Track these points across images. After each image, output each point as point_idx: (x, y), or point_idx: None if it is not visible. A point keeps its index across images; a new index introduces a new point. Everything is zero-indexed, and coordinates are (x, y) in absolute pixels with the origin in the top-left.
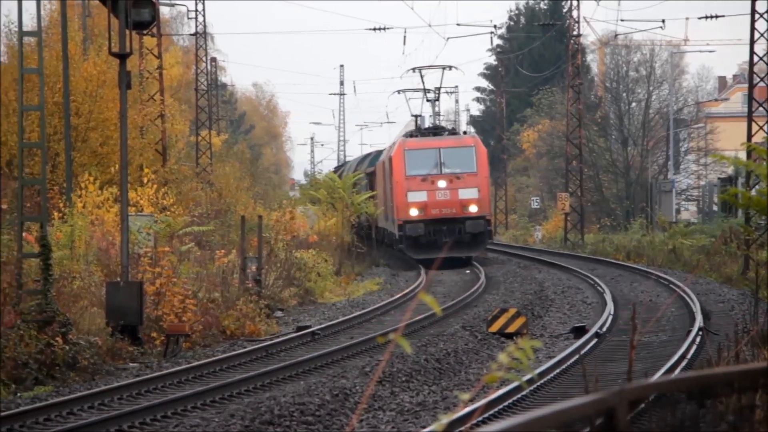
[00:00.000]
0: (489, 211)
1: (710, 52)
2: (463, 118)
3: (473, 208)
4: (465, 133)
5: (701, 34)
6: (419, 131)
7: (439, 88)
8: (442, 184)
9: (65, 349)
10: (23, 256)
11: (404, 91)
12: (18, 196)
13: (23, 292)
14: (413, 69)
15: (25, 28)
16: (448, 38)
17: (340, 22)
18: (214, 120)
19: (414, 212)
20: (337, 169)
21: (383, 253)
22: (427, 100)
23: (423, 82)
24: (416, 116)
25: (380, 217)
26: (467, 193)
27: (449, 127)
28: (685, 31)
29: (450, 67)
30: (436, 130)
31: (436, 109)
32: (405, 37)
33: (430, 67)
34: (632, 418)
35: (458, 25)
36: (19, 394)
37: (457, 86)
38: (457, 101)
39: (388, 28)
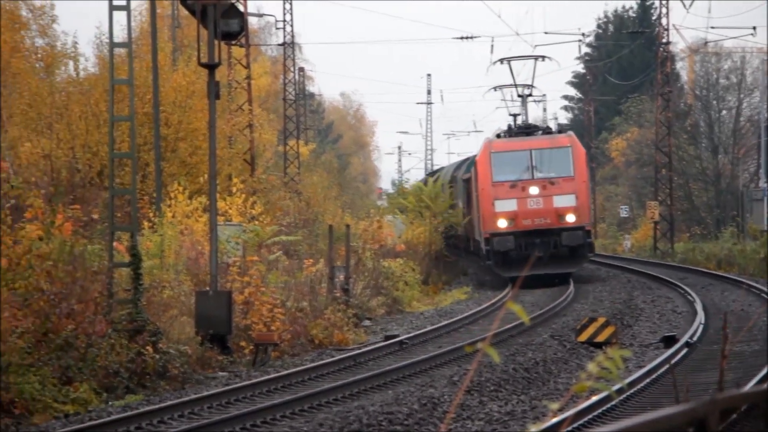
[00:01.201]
0: (588, 221)
1: None
2: (552, 127)
3: (570, 218)
4: (560, 131)
5: None
6: (509, 131)
7: (531, 85)
8: (534, 190)
9: (155, 358)
10: (114, 266)
11: (500, 87)
12: (109, 206)
13: (114, 302)
14: (500, 60)
15: (115, 40)
16: (536, 46)
17: (427, 32)
18: (302, 129)
19: (503, 223)
20: (432, 174)
21: (471, 261)
22: (518, 96)
23: (512, 75)
24: (514, 115)
25: (470, 226)
26: (563, 201)
27: (543, 125)
28: None
29: (542, 58)
30: (528, 130)
31: (527, 105)
32: (492, 45)
33: (519, 57)
34: (724, 429)
35: (546, 33)
36: (110, 403)
37: (545, 95)
38: (545, 110)
39: (475, 37)
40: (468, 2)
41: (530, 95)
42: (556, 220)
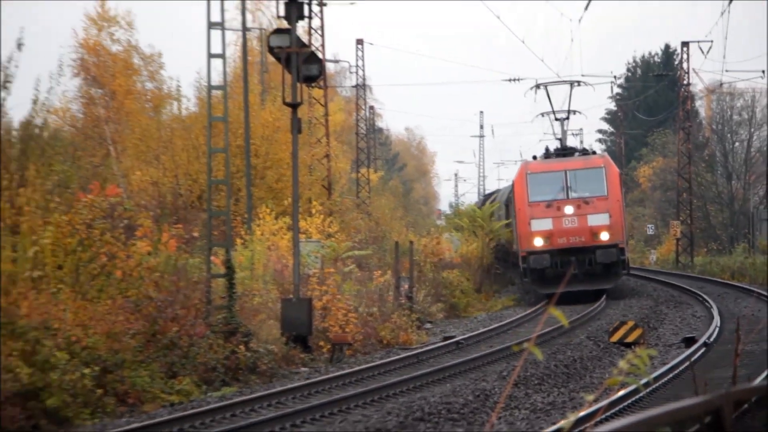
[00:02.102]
0: (622, 239)
1: None
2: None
3: (604, 236)
4: (594, 153)
5: None
6: (546, 153)
7: (569, 110)
8: (569, 210)
9: (247, 356)
10: (212, 277)
11: (547, 114)
12: (207, 226)
13: (212, 307)
14: (538, 86)
15: (212, 83)
16: (573, 82)
17: (480, 74)
18: (372, 159)
19: (539, 242)
20: (488, 196)
21: (516, 273)
22: (556, 119)
23: (549, 100)
24: (559, 140)
25: (509, 243)
26: (597, 219)
27: (580, 148)
28: None
29: (578, 83)
30: (564, 151)
31: (565, 128)
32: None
33: (556, 82)
34: (736, 417)
35: (582, 75)
36: (209, 394)
37: (581, 129)
38: (581, 142)
39: (521, 79)
40: (514, 47)
41: (567, 118)
42: (591, 239)
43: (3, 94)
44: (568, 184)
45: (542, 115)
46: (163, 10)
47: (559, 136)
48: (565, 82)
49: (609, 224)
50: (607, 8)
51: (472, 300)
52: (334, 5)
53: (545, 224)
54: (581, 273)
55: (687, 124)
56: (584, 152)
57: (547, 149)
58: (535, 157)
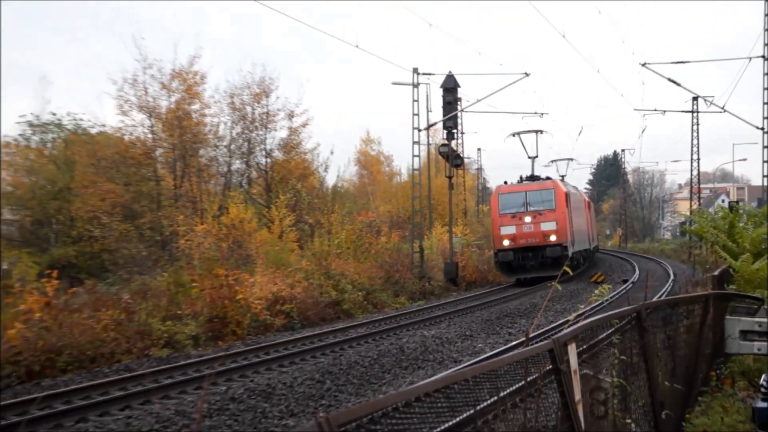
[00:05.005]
0: (567, 239)
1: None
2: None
3: (553, 238)
4: (548, 178)
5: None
6: (520, 179)
7: (536, 156)
8: (527, 219)
9: (429, 287)
10: (413, 252)
11: (556, 161)
12: (410, 231)
13: (413, 266)
14: (512, 134)
15: (414, 167)
16: (538, 131)
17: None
18: (482, 199)
19: (506, 242)
20: None
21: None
22: (528, 157)
23: (522, 144)
24: (533, 158)
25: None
26: (547, 226)
27: (544, 177)
28: None
29: (541, 131)
30: (532, 178)
31: (534, 163)
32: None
33: (526, 132)
34: (646, 315)
35: (572, 159)
36: (413, 303)
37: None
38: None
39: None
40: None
41: (536, 157)
42: (543, 240)
43: (323, 173)
44: (527, 201)
45: (552, 162)
46: (393, 135)
47: (530, 170)
48: (533, 131)
49: (556, 229)
50: (589, 134)
51: None
52: (468, 135)
53: (511, 230)
54: (536, 264)
55: (623, 185)
56: (547, 179)
57: (521, 177)
58: (506, 182)
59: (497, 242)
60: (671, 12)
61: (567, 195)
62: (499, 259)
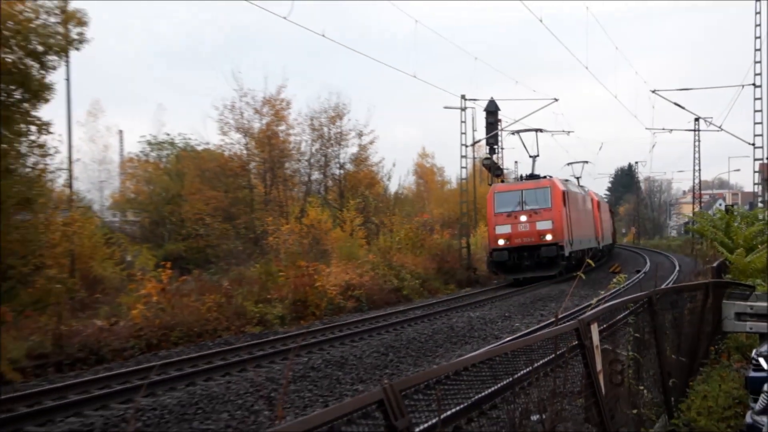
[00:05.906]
0: (563, 239)
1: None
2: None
3: (548, 237)
4: (544, 177)
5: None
6: (520, 178)
7: (536, 155)
8: (523, 218)
9: (474, 276)
10: (461, 247)
11: (572, 164)
12: (458, 229)
13: (461, 258)
14: (512, 132)
15: (462, 177)
16: (537, 130)
17: None
18: None
19: (501, 242)
20: None
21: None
22: (529, 156)
23: (522, 143)
24: (533, 157)
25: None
26: (543, 225)
27: (543, 175)
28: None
29: (540, 130)
30: (531, 177)
31: (536, 163)
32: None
33: (525, 131)
34: (657, 300)
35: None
36: (461, 290)
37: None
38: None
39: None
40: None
41: (537, 156)
42: (538, 239)
43: (387, 182)
44: (523, 200)
45: (568, 164)
46: (444, 148)
47: (530, 169)
48: (531, 130)
49: (552, 228)
50: (608, 149)
51: None
52: (507, 150)
53: (506, 229)
54: (531, 264)
55: (636, 191)
56: (544, 178)
57: (521, 176)
58: (502, 181)
59: (492, 242)
60: (678, 42)
61: (565, 194)
62: (493, 259)
